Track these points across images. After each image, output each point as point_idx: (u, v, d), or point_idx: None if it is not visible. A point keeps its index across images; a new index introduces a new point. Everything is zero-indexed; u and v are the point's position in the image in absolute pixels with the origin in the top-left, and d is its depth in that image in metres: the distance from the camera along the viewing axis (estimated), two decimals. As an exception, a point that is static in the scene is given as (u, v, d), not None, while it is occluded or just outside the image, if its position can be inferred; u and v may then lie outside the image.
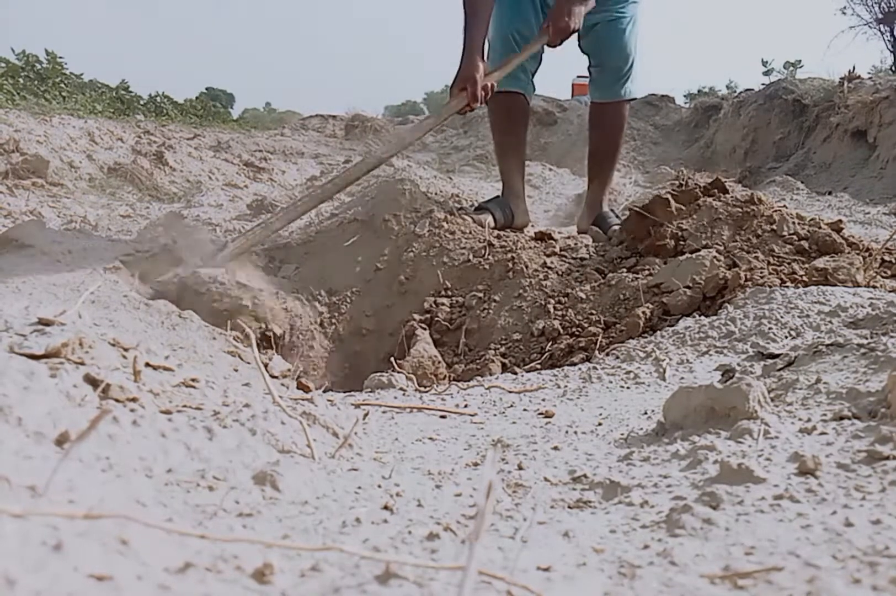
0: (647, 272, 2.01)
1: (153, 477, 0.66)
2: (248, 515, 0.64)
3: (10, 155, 4.52)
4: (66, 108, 6.72)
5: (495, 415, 1.24)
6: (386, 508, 0.72)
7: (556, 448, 0.96)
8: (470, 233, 2.35)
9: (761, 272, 1.85)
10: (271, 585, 0.50)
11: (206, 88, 21.75)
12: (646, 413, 1.13)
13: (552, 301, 2.00)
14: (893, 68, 8.49)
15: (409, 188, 2.54)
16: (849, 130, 6.21)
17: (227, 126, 8.75)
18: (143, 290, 1.87)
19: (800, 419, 0.90)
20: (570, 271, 2.17)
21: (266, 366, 1.56)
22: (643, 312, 1.79)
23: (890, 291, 1.67)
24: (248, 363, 1.57)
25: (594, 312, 1.91)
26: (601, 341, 1.74)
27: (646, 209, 2.18)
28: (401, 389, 1.49)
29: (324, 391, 1.55)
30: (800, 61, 9.51)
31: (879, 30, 9.08)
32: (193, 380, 0.88)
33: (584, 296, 1.99)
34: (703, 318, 1.69)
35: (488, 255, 2.22)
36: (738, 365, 1.33)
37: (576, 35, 2.79)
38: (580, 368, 1.57)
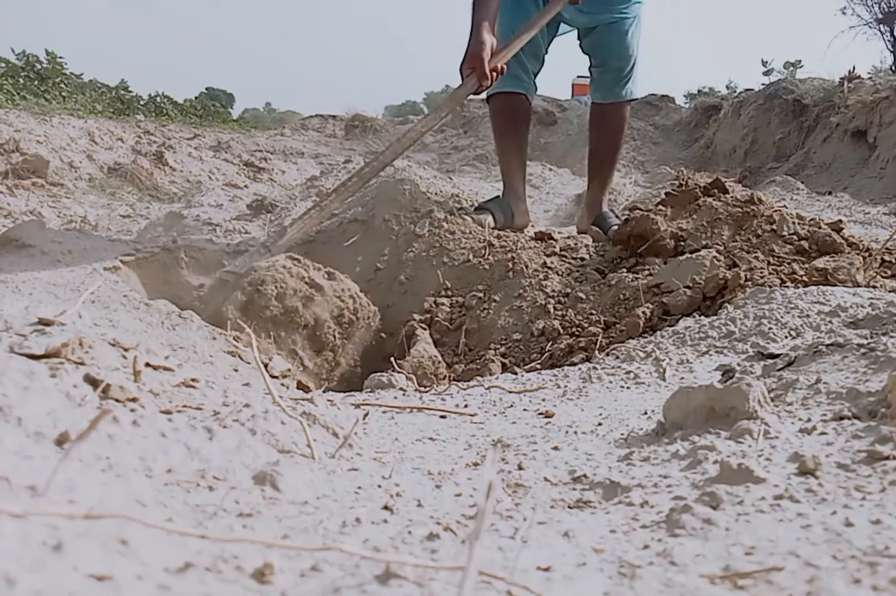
0: (647, 272, 2.02)
1: (153, 477, 0.66)
2: (248, 515, 0.64)
3: (10, 155, 4.52)
4: (66, 108, 6.73)
5: (495, 415, 1.24)
6: (386, 508, 0.72)
7: (556, 448, 0.96)
8: (470, 233, 2.35)
9: (761, 272, 1.85)
10: (271, 585, 0.50)
11: (206, 88, 21.75)
12: (646, 413, 1.13)
13: (552, 301, 2.00)
14: (893, 68, 8.49)
15: (409, 188, 2.54)
16: (849, 130, 6.22)
17: (227, 126, 8.75)
18: (212, 279, 1.83)
19: (800, 419, 0.90)
20: (570, 271, 2.17)
21: (266, 366, 1.56)
22: (643, 312, 1.79)
23: (890, 291, 1.67)
24: (248, 363, 1.57)
25: (594, 312, 1.91)
26: (601, 341, 1.74)
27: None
28: (401, 389, 1.49)
29: (324, 391, 1.55)
30: (800, 61, 9.51)
31: (879, 30, 9.09)
32: (193, 380, 0.88)
33: (584, 296, 1.99)
34: (703, 318, 1.69)
35: (488, 255, 2.22)
36: (738, 365, 1.33)
37: (576, 34, 2.79)
38: (580, 368, 1.57)
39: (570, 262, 2.23)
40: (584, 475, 0.83)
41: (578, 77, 9.48)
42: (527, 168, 3.02)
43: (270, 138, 7.87)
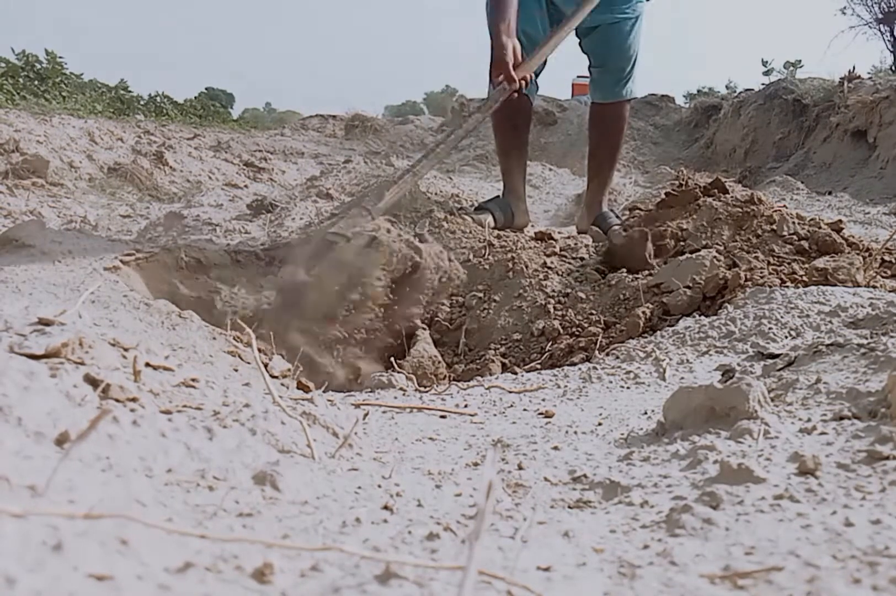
0: (647, 272, 2.01)
1: (153, 477, 0.66)
2: (248, 515, 0.64)
3: (10, 155, 4.53)
4: (66, 108, 6.73)
5: (495, 415, 1.24)
6: (386, 508, 0.72)
7: (556, 448, 0.96)
8: (470, 233, 2.35)
9: (761, 272, 1.85)
10: (271, 585, 0.50)
11: (206, 88, 21.76)
12: (646, 413, 1.13)
13: (552, 301, 2.00)
14: (893, 68, 8.49)
15: (410, 188, 2.54)
16: (849, 130, 6.21)
17: (227, 126, 8.76)
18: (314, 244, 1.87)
19: (800, 419, 0.90)
20: (570, 271, 2.17)
21: (266, 366, 1.56)
22: (643, 312, 1.79)
23: (890, 291, 1.67)
24: (248, 363, 1.57)
25: (594, 312, 1.91)
26: (601, 341, 1.74)
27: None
28: (401, 389, 1.49)
29: (324, 391, 1.55)
30: (800, 61, 9.51)
31: (879, 30, 9.08)
32: (193, 380, 0.88)
33: (584, 296, 1.99)
34: (703, 318, 1.69)
35: (488, 255, 2.22)
36: (738, 365, 1.33)
37: (575, 33, 2.79)
38: (580, 368, 1.57)
39: (570, 262, 2.23)
40: (584, 475, 0.83)
41: (578, 77, 9.48)
42: (527, 168, 3.02)
43: (270, 138, 7.87)
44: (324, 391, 1.49)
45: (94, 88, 8.72)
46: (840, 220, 2.18)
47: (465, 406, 1.31)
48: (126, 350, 0.85)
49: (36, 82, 7.47)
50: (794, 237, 2.05)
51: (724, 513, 0.65)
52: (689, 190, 2.27)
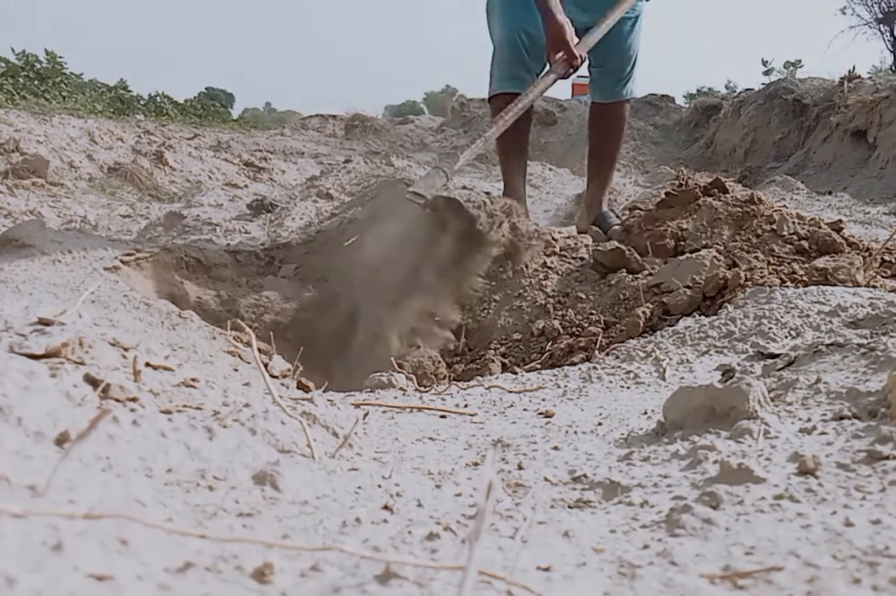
0: (647, 272, 2.01)
1: (153, 477, 0.66)
2: (248, 515, 0.64)
3: (10, 155, 4.53)
4: (66, 107, 6.73)
5: (495, 415, 1.24)
6: (386, 508, 0.72)
7: (556, 448, 0.96)
8: (470, 233, 2.35)
9: (761, 272, 1.85)
10: (271, 584, 0.50)
11: (206, 88, 21.76)
12: (646, 413, 1.13)
13: (552, 301, 2.00)
14: (893, 68, 8.49)
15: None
16: (849, 130, 6.22)
17: (227, 126, 8.76)
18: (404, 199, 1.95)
19: (800, 419, 0.90)
20: (570, 271, 2.17)
21: (266, 366, 1.56)
22: (643, 312, 1.79)
23: (890, 291, 1.67)
24: (248, 363, 1.57)
25: (594, 311, 1.91)
26: (601, 341, 1.74)
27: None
28: (401, 388, 1.49)
29: (323, 391, 1.55)
30: (800, 61, 9.51)
31: (879, 30, 9.09)
32: (193, 380, 0.88)
33: (584, 296, 1.99)
34: (703, 318, 1.69)
35: (488, 255, 2.22)
36: (738, 365, 1.33)
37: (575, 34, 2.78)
38: (580, 368, 1.57)
39: (570, 262, 2.23)
40: (584, 475, 0.83)
41: (578, 77, 9.45)
42: (527, 168, 3.02)
43: (270, 138, 7.88)
44: (324, 391, 1.49)
45: (94, 88, 8.73)
46: (840, 220, 2.18)
47: (465, 406, 1.31)
48: (126, 350, 0.85)
49: (36, 82, 7.47)
50: (794, 237, 2.05)
51: (724, 513, 0.65)
52: (689, 190, 2.27)
